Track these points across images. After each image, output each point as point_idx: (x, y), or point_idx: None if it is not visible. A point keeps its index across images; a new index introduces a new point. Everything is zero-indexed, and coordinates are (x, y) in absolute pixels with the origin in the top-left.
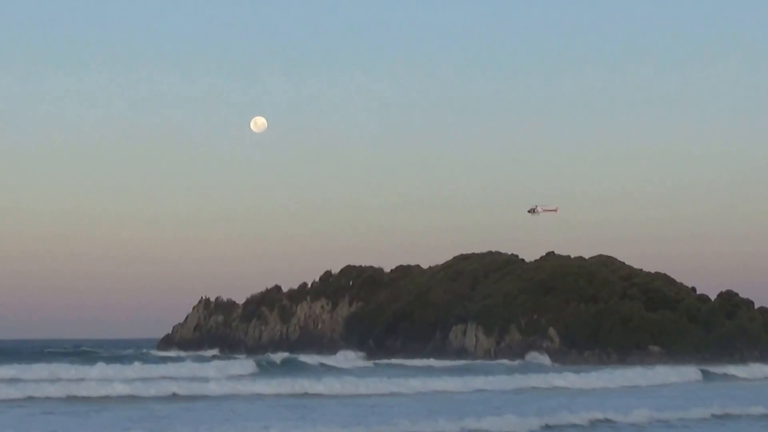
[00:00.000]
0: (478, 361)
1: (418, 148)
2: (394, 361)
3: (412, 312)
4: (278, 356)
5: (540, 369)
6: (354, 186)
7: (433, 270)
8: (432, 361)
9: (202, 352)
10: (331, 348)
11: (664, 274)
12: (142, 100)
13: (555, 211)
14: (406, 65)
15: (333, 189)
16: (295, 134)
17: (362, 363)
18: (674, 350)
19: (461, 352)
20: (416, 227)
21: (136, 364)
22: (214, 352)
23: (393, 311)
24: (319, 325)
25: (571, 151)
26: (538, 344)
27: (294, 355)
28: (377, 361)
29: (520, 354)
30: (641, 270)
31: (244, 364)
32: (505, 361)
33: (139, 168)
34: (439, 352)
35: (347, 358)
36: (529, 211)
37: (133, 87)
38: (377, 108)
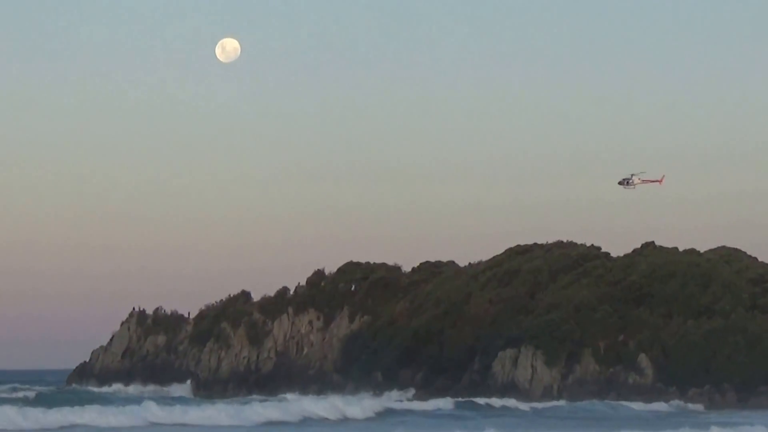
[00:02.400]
0: (562, 402)
1: (455, 90)
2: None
3: (441, 330)
4: (323, 402)
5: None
6: (361, 144)
7: (474, 269)
8: (513, 401)
9: (167, 387)
10: (321, 383)
11: None
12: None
13: (659, 182)
14: None
15: (330, 148)
16: (279, 65)
17: (443, 405)
18: None
19: (509, 389)
20: (450, 206)
21: (151, 403)
22: (185, 387)
23: (413, 330)
24: (305, 350)
25: (683, 99)
26: (622, 379)
27: (318, 396)
28: (459, 399)
29: (596, 393)
30: None
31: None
32: (642, 403)
33: (41, 115)
34: (476, 390)
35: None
36: (620, 183)
37: None
38: (395, 28)
